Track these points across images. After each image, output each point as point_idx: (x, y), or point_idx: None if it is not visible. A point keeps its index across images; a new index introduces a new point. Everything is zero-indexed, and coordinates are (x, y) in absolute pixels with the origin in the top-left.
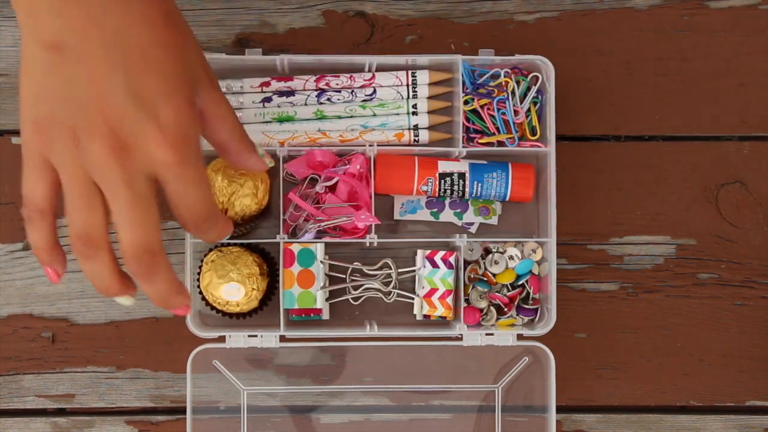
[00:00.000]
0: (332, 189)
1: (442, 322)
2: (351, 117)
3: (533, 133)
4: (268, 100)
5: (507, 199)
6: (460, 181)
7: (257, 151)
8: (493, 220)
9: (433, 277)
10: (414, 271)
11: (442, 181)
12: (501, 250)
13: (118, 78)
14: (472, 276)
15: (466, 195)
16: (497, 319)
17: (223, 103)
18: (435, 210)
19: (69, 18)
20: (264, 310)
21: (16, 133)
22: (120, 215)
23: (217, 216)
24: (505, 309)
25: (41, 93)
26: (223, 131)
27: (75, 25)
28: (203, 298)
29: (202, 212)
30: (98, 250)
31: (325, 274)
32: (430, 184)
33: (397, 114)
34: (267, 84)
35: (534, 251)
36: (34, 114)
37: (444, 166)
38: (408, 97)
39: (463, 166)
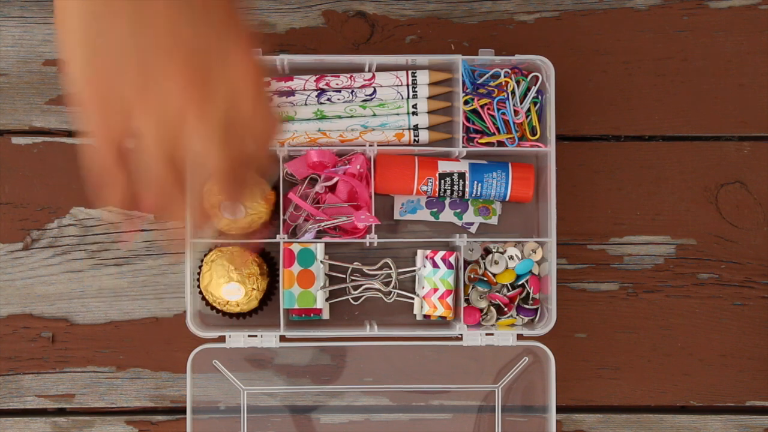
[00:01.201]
0: (332, 189)
1: (442, 322)
2: (351, 117)
3: (533, 133)
4: None
5: (507, 199)
6: (460, 181)
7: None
8: (493, 220)
9: (433, 277)
10: (414, 271)
11: (442, 181)
12: (501, 250)
13: (186, 11)
14: (472, 276)
15: (466, 195)
16: (497, 319)
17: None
18: (435, 210)
19: None
20: (264, 310)
21: (16, 133)
22: (203, 144)
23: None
24: (505, 309)
25: (97, 44)
26: None
27: None
28: (203, 298)
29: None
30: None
31: (325, 274)
32: (430, 184)
33: (397, 114)
34: (267, 84)
35: (534, 251)
36: (90, 71)
37: (444, 166)
38: (408, 97)
39: (463, 166)
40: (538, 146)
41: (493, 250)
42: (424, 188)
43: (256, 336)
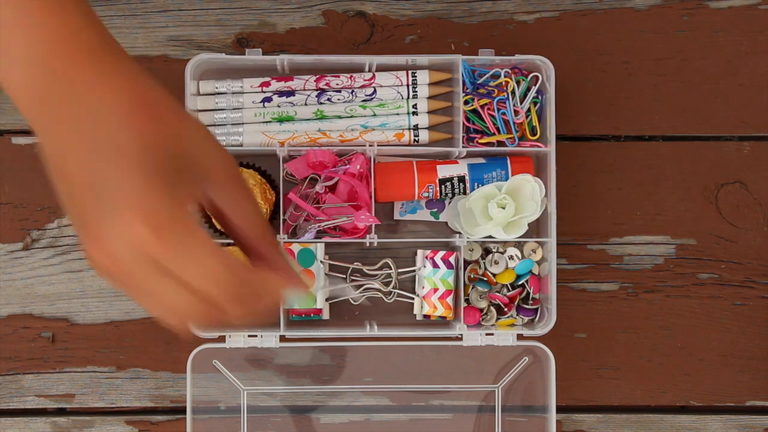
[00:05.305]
0: (332, 189)
1: (442, 322)
2: (351, 117)
3: (533, 133)
4: (268, 100)
5: None
6: (461, 184)
7: (281, 255)
8: None
9: (433, 277)
10: (414, 271)
11: (443, 186)
12: (501, 250)
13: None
14: (472, 276)
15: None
16: (497, 319)
17: (235, 200)
18: (435, 210)
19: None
20: None
21: (16, 133)
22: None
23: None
24: (505, 309)
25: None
26: (238, 230)
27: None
28: None
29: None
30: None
31: (325, 274)
32: (431, 191)
33: (398, 114)
34: (267, 84)
35: (534, 251)
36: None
37: (443, 171)
38: (408, 97)
39: (462, 169)
40: (538, 146)
41: (493, 250)
42: (426, 194)
43: (256, 336)
